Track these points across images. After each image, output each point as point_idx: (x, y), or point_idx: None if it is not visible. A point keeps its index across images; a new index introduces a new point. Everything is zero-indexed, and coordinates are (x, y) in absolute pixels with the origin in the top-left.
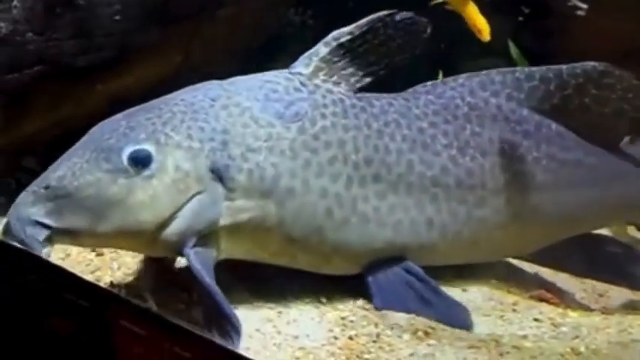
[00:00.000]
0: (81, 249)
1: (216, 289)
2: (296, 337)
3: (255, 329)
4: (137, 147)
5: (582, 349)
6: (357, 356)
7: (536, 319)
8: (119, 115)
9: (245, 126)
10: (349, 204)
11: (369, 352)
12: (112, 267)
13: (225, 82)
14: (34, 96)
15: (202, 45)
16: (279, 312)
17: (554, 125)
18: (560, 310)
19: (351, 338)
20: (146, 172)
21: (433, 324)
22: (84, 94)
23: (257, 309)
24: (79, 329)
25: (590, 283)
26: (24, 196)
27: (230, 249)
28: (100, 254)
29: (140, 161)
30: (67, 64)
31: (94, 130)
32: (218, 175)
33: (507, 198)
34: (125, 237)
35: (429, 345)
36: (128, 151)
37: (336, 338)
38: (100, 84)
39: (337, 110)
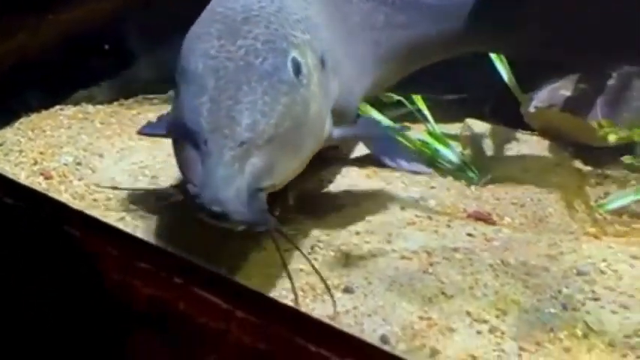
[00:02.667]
0: (30, 172)
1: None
2: None
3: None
4: (291, 57)
5: (511, 260)
6: None
7: (469, 234)
8: (209, 34)
9: (305, 9)
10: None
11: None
12: (60, 189)
13: None
14: None
15: None
16: None
17: None
18: (495, 227)
19: None
20: (304, 80)
21: (367, 238)
22: (37, 24)
23: None
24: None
25: (530, 209)
26: (223, 168)
27: None
28: (48, 177)
29: (299, 71)
30: None
31: (207, 66)
32: (322, 61)
33: (398, 36)
34: (310, 155)
35: (361, 257)
36: (289, 64)
37: None
38: (51, 14)
39: None
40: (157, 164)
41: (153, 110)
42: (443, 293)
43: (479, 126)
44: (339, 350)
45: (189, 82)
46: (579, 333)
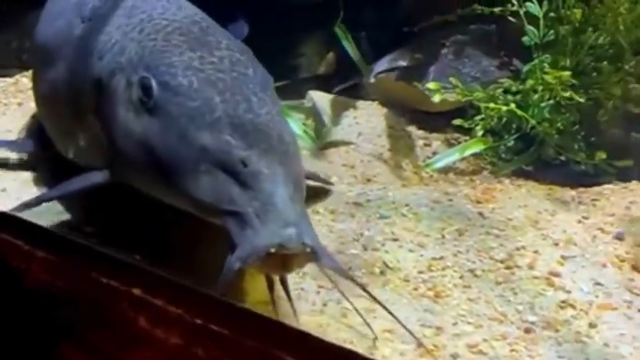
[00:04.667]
0: None
1: None
2: None
3: None
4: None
5: (321, 209)
6: None
7: None
8: (176, 45)
9: None
10: None
11: None
12: None
13: None
14: None
15: None
16: None
17: None
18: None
19: None
20: None
21: None
22: None
23: None
24: None
25: (359, 170)
26: (282, 187)
27: None
28: None
29: None
30: None
31: (202, 79)
32: None
33: None
34: None
35: None
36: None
37: None
38: None
39: None
40: None
41: None
42: None
43: (322, 97)
44: (129, 281)
45: (183, 99)
46: (377, 270)
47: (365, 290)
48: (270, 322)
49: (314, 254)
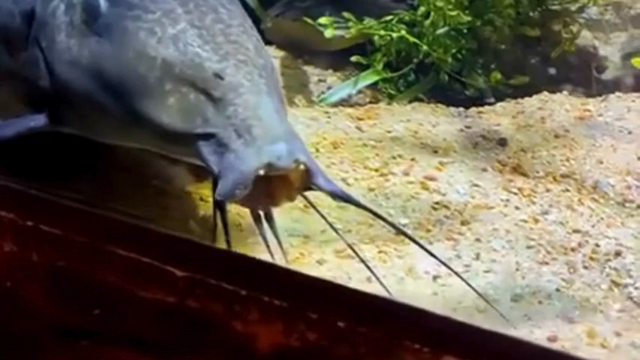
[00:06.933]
0: None
1: None
2: None
3: None
4: None
5: None
6: None
7: None
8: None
9: None
10: None
11: None
12: None
13: None
14: None
15: None
16: None
17: None
18: None
19: None
20: None
21: None
22: None
23: None
24: None
25: None
26: (266, 98)
27: None
28: None
29: None
30: None
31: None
32: None
33: None
34: None
35: None
36: None
37: None
38: None
39: None
40: None
41: None
42: None
43: None
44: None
45: (140, 12)
46: None
47: (373, 212)
48: (100, 217)
49: (308, 174)
